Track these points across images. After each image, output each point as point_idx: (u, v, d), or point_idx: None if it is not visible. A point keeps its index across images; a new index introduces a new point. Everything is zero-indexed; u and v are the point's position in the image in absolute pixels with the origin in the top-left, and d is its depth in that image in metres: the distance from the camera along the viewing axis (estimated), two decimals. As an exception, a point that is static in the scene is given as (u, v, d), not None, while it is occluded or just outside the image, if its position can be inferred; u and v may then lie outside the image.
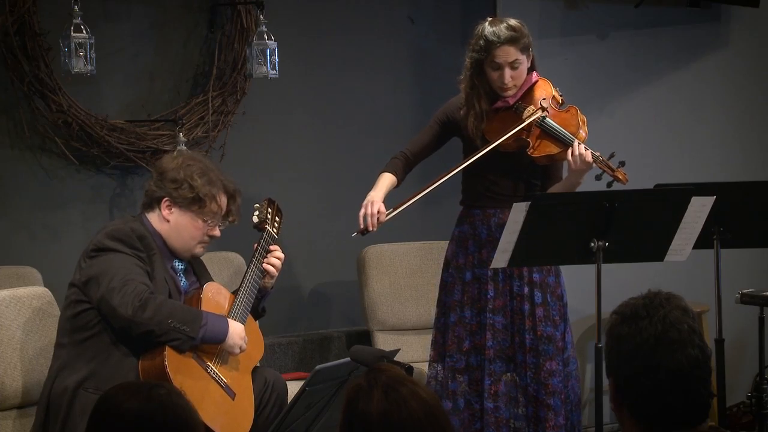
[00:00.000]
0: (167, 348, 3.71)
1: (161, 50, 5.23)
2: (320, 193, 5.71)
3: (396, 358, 3.14)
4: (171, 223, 3.90)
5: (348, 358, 3.27)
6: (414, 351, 5.47)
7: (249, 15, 5.26)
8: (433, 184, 4.39)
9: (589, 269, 4.11)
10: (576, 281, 4.89)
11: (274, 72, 5.16)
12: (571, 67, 5.85)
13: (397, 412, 2.16)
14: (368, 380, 2.20)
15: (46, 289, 4.24)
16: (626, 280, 4.30)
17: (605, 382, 2.36)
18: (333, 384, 3.52)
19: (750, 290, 4.93)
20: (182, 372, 3.72)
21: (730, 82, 6.44)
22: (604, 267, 4.01)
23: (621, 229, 3.98)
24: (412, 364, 3.10)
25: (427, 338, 5.56)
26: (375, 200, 4.44)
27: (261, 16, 5.17)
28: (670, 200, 4.08)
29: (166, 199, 3.90)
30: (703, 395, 2.22)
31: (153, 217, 3.92)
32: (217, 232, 3.98)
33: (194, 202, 3.89)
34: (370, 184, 5.82)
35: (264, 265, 4.10)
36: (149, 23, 5.19)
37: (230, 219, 4.04)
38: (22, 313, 4.02)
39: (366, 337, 5.51)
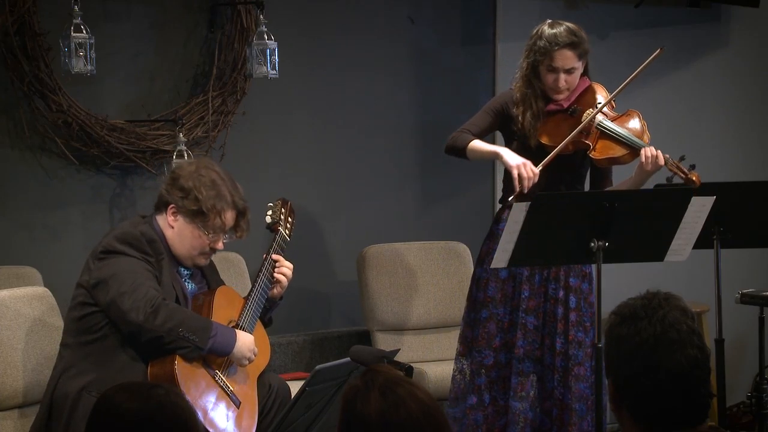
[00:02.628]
0: (178, 355, 3.71)
1: (161, 50, 5.22)
2: (320, 193, 5.71)
3: (396, 358, 3.14)
4: (175, 229, 3.88)
5: (348, 358, 3.27)
6: (414, 351, 5.47)
7: (249, 15, 5.25)
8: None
9: (589, 269, 4.11)
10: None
11: (274, 72, 5.16)
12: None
13: (396, 413, 2.15)
14: (365, 382, 2.20)
15: (46, 289, 4.24)
16: (626, 280, 4.31)
17: (605, 382, 2.36)
18: (333, 384, 3.52)
19: (750, 290, 4.93)
20: (191, 379, 3.71)
21: (730, 82, 6.44)
22: (604, 267, 4.01)
23: (621, 229, 3.97)
24: (411, 364, 3.10)
25: (427, 338, 5.57)
26: (524, 160, 4.31)
27: (261, 16, 5.17)
28: (670, 200, 4.08)
29: (172, 206, 3.88)
30: (702, 395, 2.22)
31: (161, 220, 3.91)
32: (220, 246, 3.94)
33: (197, 215, 3.85)
34: (370, 184, 5.84)
35: (276, 274, 4.07)
36: (149, 23, 5.19)
37: (238, 234, 3.99)
38: (22, 313, 4.02)
39: (366, 337, 5.51)
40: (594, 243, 3.97)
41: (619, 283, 4.31)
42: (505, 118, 4.54)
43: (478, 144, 4.47)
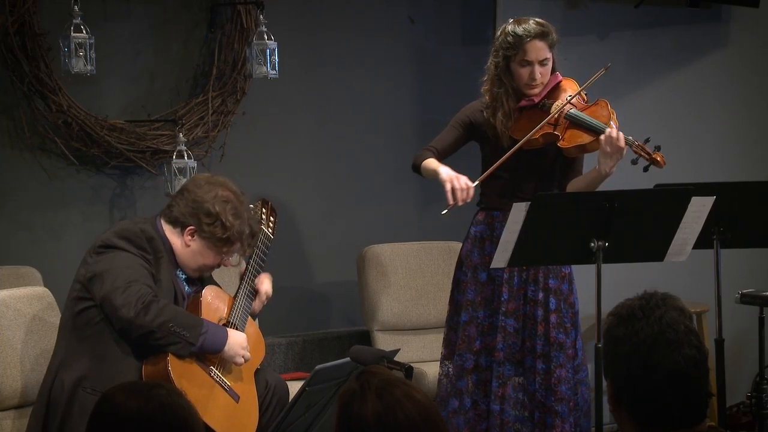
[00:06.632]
0: (170, 353, 3.71)
1: (161, 50, 5.23)
2: (320, 193, 5.71)
3: (396, 358, 3.14)
4: (191, 248, 3.92)
5: (348, 358, 3.28)
6: (414, 351, 5.47)
7: (249, 15, 5.26)
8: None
9: (589, 269, 4.10)
10: (576, 281, 4.88)
11: (274, 72, 5.16)
12: (571, 68, 5.85)
13: (393, 414, 2.15)
14: (361, 384, 2.19)
15: (46, 289, 4.24)
16: (626, 280, 4.30)
17: (605, 382, 2.36)
18: (333, 384, 3.52)
19: (750, 290, 4.92)
20: (186, 377, 3.72)
21: (730, 82, 6.44)
22: (604, 267, 4.00)
23: (621, 229, 3.97)
24: (411, 365, 3.10)
25: (427, 338, 5.57)
26: (458, 174, 4.35)
27: (261, 16, 5.17)
28: (670, 200, 4.08)
29: (192, 227, 3.90)
30: (701, 395, 2.23)
31: (171, 233, 3.92)
32: (228, 264, 4.03)
33: (222, 241, 3.91)
34: (370, 184, 5.84)
35: (262, 290, 4.13)
36: (149, 23, 5.19)
37: (246, 253, 4.07)
38: (22, 313, 4.03)
39: (366, 337, 5.51)
40: (594, 243, 3.98)
41: (619, 283, 4.30)
42: (474, 128, 4.54)
43: (427, 164, 4.50)
